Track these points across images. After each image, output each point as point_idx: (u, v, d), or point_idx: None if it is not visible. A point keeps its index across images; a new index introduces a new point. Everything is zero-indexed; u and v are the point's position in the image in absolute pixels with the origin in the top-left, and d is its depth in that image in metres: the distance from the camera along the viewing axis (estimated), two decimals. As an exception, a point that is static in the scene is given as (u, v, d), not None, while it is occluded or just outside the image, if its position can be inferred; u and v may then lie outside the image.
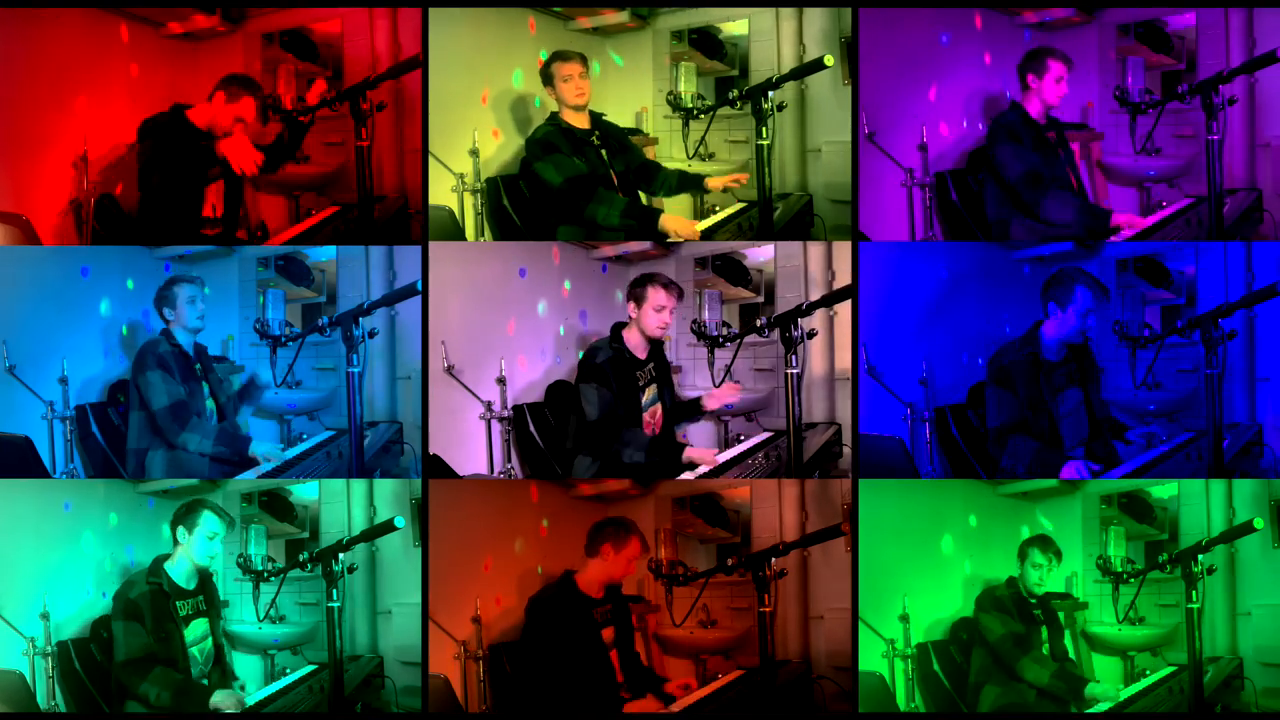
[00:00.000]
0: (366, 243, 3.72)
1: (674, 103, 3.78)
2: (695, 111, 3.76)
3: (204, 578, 3.20)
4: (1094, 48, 4.12)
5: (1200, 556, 3.00)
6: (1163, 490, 3.59)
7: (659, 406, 3.54)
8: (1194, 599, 3.01)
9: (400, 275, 3.81)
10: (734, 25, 4.22)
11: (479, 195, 3.70)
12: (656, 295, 3.38)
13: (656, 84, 4.31)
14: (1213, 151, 3.33)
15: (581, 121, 3.58)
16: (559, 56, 3.53)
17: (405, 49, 3.75)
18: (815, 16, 4.04)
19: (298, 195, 4.00)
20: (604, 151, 3.59)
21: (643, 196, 3.78)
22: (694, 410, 3.62)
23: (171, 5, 3.80)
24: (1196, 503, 3.54)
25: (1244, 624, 3.47)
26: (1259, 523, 3.01)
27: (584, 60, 3.54)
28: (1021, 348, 3.28)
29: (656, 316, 3.39)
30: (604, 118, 3.68)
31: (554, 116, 3.56)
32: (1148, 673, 3.42)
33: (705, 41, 4.25)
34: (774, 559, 2.91)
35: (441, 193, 3.60)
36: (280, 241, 3.75)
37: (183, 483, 3.44)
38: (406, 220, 3.70)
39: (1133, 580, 3.32)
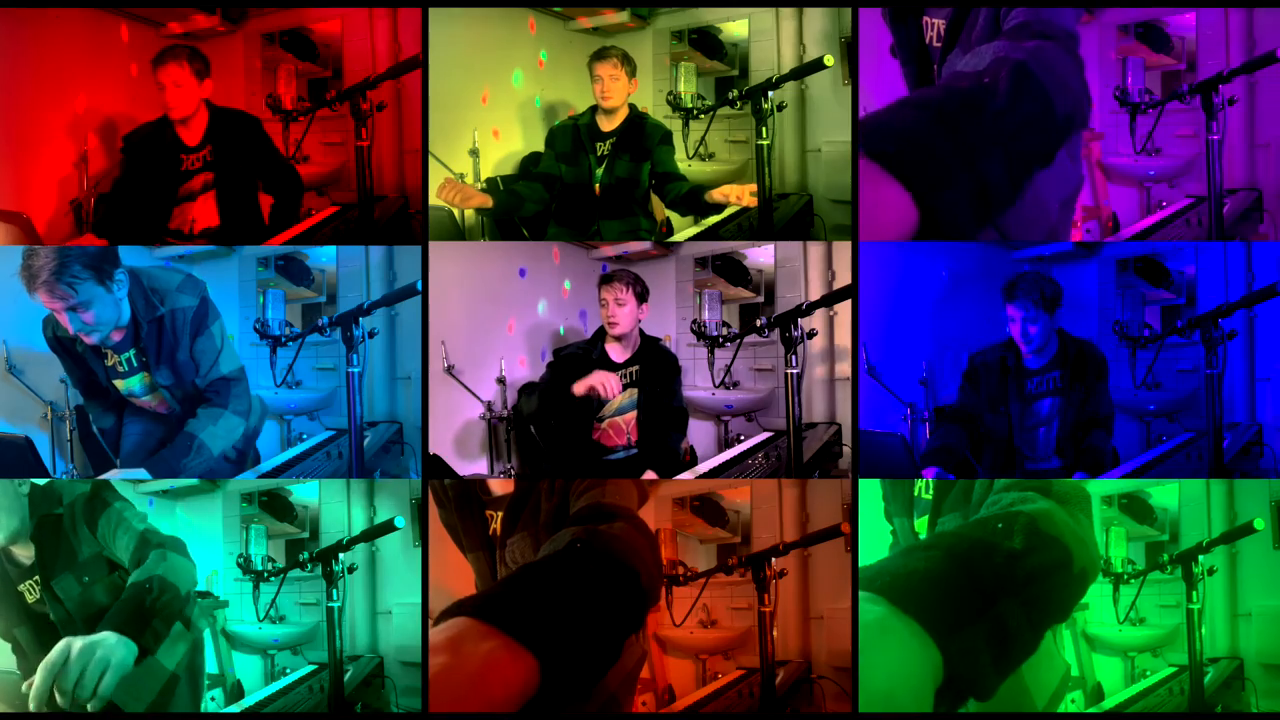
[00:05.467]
0: (366, 243, 3.72)
1: (674, 103, 3.77)
2: (695, 112, 3.74)
3: None
4: (1094, 48, 4.12)
5: (1201, 557, 3.00)
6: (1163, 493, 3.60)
7: (634, 413, 3.45)
8: (1194, 600, 3.01)
9: (400, 275, 3.81)
10: (734, 25, 4.22)
11: (479, 195, 3.70)
12: (603, 290, 3.41)
13: (656, 84, 4.30)
14: (1213, 151, 3.33)
15: (609, 122, 3.55)
16: (596, 55, 3.52)
17: (405, 49, 3.75)
18: (815, 16, 4.04)
19: (297, 195, 4.00)
20: (605, 162, 3.55)
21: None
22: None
23: (171, 5, 3.79)
24: (1197, 506, 3.55)
25: (1244, 625, 3.47)
26: (1259, 523, 3.00)
27: (622, 59, 3.48)
28: (998, 349, 3.38)
29: (601, 311, 3.42)
30: (646, 118, 3.60)
31: (591, 110, 3.56)
32: (1148, 673, 3.42)
33: (705, 41, 4.25)
34: (774, 559, 2.91)
35: (442, 193, 3.60)
36: (280, 241, 3.74)
37: (183, 482, 3.44)
38: (406, 220, 3.70)
39: (1133, 581, 3.32)
